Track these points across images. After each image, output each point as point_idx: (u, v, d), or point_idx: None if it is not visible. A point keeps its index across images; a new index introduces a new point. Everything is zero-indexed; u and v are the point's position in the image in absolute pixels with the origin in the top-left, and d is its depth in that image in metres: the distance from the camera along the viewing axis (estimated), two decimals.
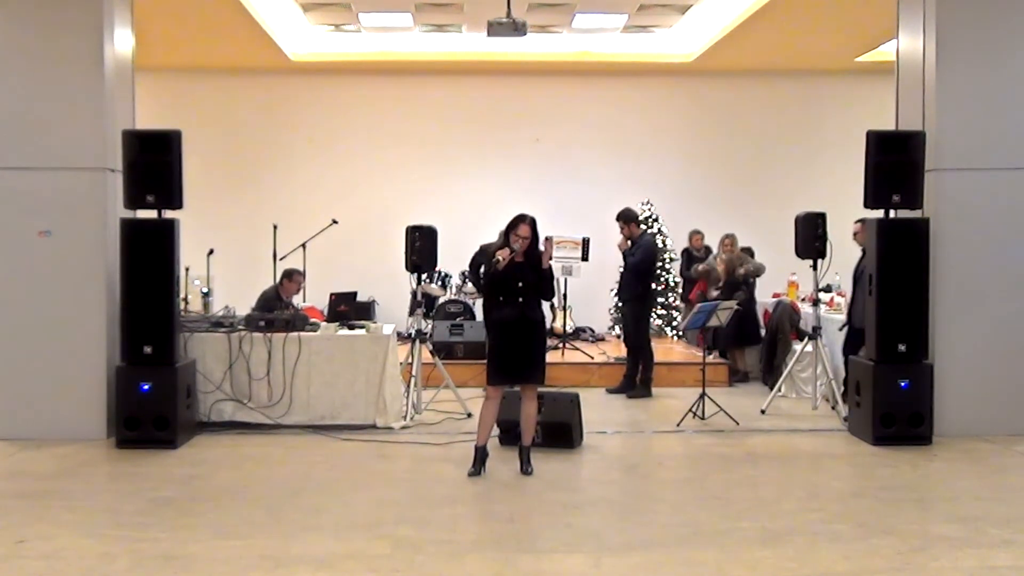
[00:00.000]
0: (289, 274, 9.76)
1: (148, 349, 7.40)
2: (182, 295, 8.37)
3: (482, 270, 9.79)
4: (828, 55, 13.11)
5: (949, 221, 7.79)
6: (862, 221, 9.55)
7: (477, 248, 11.81)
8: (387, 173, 14.18)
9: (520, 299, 6.55)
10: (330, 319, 8.76)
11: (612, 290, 13.63)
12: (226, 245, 11.42)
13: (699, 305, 8.82)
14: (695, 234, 13.05)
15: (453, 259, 12.10)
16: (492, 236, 12.46)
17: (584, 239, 11.69)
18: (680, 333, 13.31)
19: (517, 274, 6.54)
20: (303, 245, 11.21)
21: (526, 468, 6.58)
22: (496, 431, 7.55)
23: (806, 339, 9.15)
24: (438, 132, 14.26)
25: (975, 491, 6.24)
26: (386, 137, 14.23)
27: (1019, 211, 7.86)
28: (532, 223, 6.56)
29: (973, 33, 7.79)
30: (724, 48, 12.50)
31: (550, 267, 6.67)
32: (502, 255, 6.46)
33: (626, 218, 10.13)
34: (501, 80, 14.14)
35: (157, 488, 6.27)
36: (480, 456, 6.60)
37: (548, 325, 12.97)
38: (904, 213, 7.81)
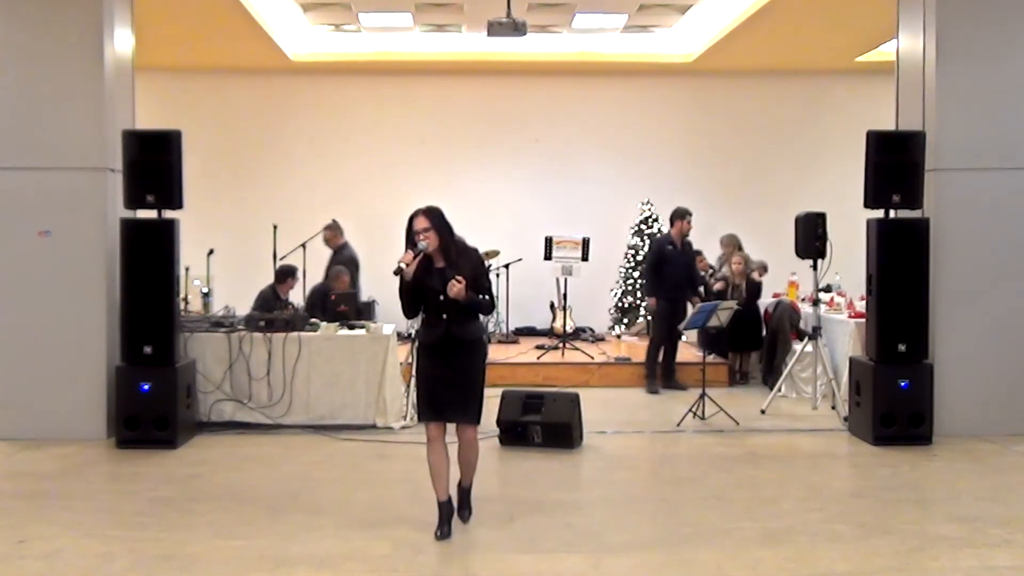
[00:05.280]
0: (283, 271, 9.76)
1: (148, 349, 7.41)
2: (182, 295, 8.37)
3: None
4: (828, 55, 13.09)
5: (949, 221, 7.79)
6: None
7: None
8: (387, 173, 14.15)
9: (444, 315, 5.15)
10: (330, 319, 8.74)
11: (612, 291, 13.66)
12: (226, 245, 11.39)
13: (699, 305, 8.81)
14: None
15: None
16: (492, 236, 12.46)
17: (584, 239, 11.66)
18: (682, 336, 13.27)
19: (437, 283, 5.11)
20: (303, 245, 11.19)
21: (462, 513, 5.47)
22: (496, 431, 7.57)
23: (806, 339, 9.15)
24: (438, 132, 14.24)
25: (975, 491, 6.24)
26: (386, 137, 14.20)
27: (1019, 211, 7.86)
28: (430, 213, 5.14)
29: (973, 33, 7.79)
30: (724, 48, 12.49)
31: (486, 276, 5.35)
32: (404, 260, 5.06)
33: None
34: (501, 80, 14.12)
35: (157, 488, 6.28)
36: (445, 513, 5.27)
37: (550, 326, 12.69)
38: (904, 213, 7.81)
